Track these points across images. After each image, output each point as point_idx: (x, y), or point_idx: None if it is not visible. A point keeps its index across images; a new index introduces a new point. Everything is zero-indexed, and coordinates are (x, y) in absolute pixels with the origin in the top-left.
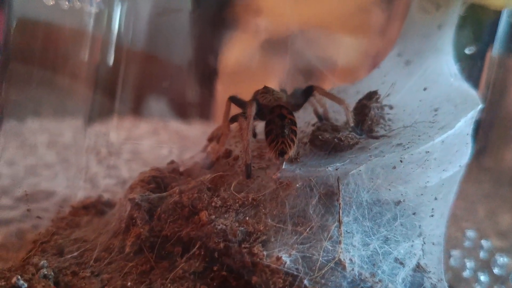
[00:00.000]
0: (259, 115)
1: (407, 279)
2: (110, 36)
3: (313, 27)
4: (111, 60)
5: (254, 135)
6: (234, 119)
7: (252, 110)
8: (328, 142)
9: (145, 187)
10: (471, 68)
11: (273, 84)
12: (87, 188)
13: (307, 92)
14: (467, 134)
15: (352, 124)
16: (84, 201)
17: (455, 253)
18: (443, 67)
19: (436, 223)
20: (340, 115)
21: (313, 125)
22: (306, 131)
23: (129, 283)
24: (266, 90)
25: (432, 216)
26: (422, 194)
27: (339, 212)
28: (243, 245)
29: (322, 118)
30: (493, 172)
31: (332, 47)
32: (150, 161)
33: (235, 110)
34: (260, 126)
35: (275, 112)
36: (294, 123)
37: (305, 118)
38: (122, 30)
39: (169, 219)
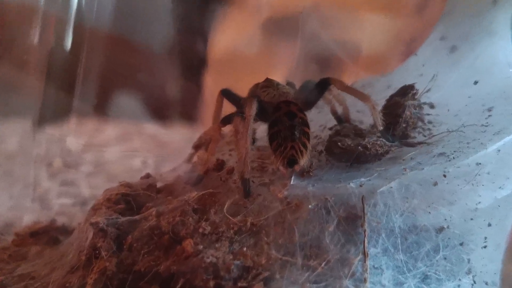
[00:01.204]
0: (260, 116)
1: None
2: (67, 13)
3: (331, 2)
4: (68, 44)
5: (254, 141)
6: (227, 120)
7: (252, 109)
8: (350, 151)
9: (112, 208)
10: None
11: (279, 76)
12: (36, 210)
13: (322, 86)
14: None
15: (381, 128)
16: (32, 226)
17: None
18: (498, 54)
19: (490, 257)
20: (366, 115)
21: (331, 128)
22: (322, 137)
23: None
24: (268, 83)
25: (484, 247)
26: (471, 219)
27: (364, 242)
28: (239, 284)
29: (342, 119)
30: None
31: (356, 29)
32: (118, 175)
33: (228, 108)
34: (261, 130)
35: (282, 109)
36: (306, 124)
37: (319, 120)
38: (83, 6)
39: (144, 250)
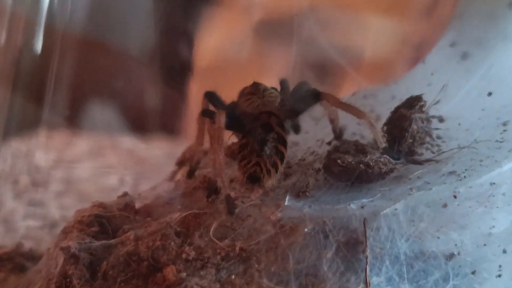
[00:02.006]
0: (237, 127)
1: None
2: (37, 14)
3: (329, 3)
4: (38, 48)
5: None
6: (208, 113)
7: (221, 122)
8: (351, 169)
9: (85, 231)
10: None
11: (272, 83)
12: (0, 233)
13: (312, 99)
14: None
15: (383, 146)
16: None
17: None
18: None
19: (505, 287)
20: (367, 128)
21: (329, 143)
22: (319, 153)
23: None
24: (254, 89)
25: (499, 276)
26: (484, 245)
27: (365, 270)
28: None
29: (342, 133)
30: None
31: (357, 33)
32: (91, 194)
33: None
34: None
35: (260, 119)
36: (283, 142)
37: (317, 134)
38: (55, 6)
39: (120, 278)
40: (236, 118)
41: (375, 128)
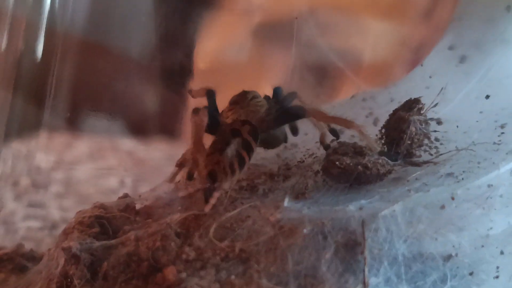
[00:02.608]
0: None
1: None
2: (38, 17)
3: (329, 6)
4: (39, 50)
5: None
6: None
7: (202, 119)
8: (349, 171)
9: (86, 232)
10: None
11: (270, 88)
12: (0, 234)
13: (294, 115)
14: None
15: (377, 150)
16: None
17: None
18: None
19: None
20: (366, 130)
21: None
22: (318, 155)
23: None
24: (240, 98)
25: (496, 277)
26: (482, 246)
27: (363, 270)
28: None
29: (338, 134)
30: None
31: (356, 36)
32: (92, 196)
33: None
34: None
35: (232, 124)
36: (248, 149)
37: (315, 136)
38: (56, 9)
39: (120, 278)
40: (217, 123)
41: (365, 135)
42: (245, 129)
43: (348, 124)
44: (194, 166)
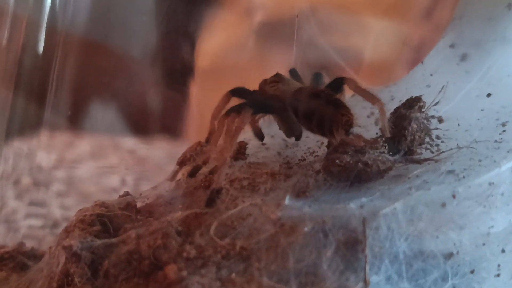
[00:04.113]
0: (265, 110)
1: None
2: (39, 15)
3: (330, 5)
4: (40, 49)
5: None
6: (234, 110)
7: (244, 122)
8: (350, 168)
9: (87, 230)
10: None
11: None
12: (2, 233)
13: (335, 85)
14: None
15: (388, 135)
16: None
17: None
18: None
19: (504, 286)
20: (368, 130)
21: (328, 145)
22: (319, 153)
23: None
24: (278, 78)
25: (498, 275)
26: (483, 244)
27: (364, 268)
28: None
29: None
30: None
31: (357, 34)
32: (93, 194)
33: None
34: (253, 145)
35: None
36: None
37: (317, 136)
38: (56, 7)
39: (121, 276)
40: (263, 103)
41: (385, 115)
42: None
43: (374, 99)
44: (221, 164)
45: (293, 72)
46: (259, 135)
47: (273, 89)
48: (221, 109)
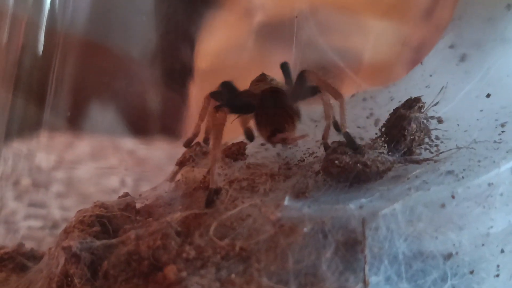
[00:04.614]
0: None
1: None
2: (38, 15)
3: (329, 6)
4: (39, 49)
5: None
6: (216, 96)
7: (220, 120)
8: (349, 169)
9: (86, 231)
10: None
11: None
12: (1, 234)
13: (300, 81)
14: None
15: (346, 130)
16: None
17: None
18: None
19: (504, 287)
20: (367, 131)
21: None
22: (318, 154)
23: None
24: (262, 78)
25: (497, 276)
26: (482, 245)
27: (364, 269)
28: None
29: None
30: None
31: (357, 35)
32: (92, 195)
33: None
34: (252, 146)
35: (265, 91)
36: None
37: (316, 135)
38: (56, 8)
39: (121, 277)
40: (243, 103)
41: (344, 111)
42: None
43: (336, 94)
44: (212, 163)
45: (284, 67)
46: (249, 136)
47: (255, 88)
48: (205, 110)
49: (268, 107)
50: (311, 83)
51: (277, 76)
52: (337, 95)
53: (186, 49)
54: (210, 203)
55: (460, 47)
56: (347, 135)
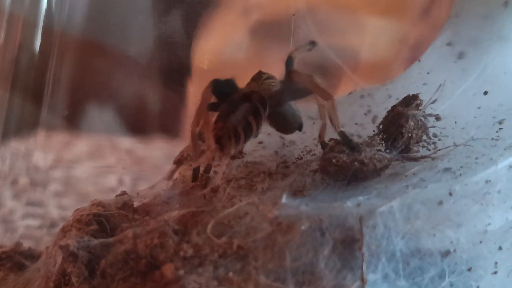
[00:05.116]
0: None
1: None
2: (35, 15)
3: (326, 4)
4: (36, 49)
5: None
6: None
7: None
8: (346, 167)
9: (84, 230)
10: None
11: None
12: None
13: (287, 81)
14: None
15: (340, 129)
16: None
17: None
18: (510, 61)
19: (501, 284)
20: (365, 129)
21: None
22: (316, 152)
23: None
24: (256, 76)
25: (495, 273)
26: (480, 242)
27: (361, 267)
28: None
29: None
30: None
31: (354, 33)
32: (90, 194)
33: None
34: (250, 144)
35: (243, 91)
36: (257, 115)
37: (314, 133)
38: (53, 7)
39: (118, 276)
40: (232, 103)
41: (335, 112)
42: (255, 96)
43: (326, 95)
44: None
45: (288, 63)
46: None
47: (246, 87)
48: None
49: (229, 113)
50: (299, 84)
51: (276, 74)
52: (326, 96)
53: (184, 49)
54: (194, 180)
55: (457, 45)
56: (342, 135)
